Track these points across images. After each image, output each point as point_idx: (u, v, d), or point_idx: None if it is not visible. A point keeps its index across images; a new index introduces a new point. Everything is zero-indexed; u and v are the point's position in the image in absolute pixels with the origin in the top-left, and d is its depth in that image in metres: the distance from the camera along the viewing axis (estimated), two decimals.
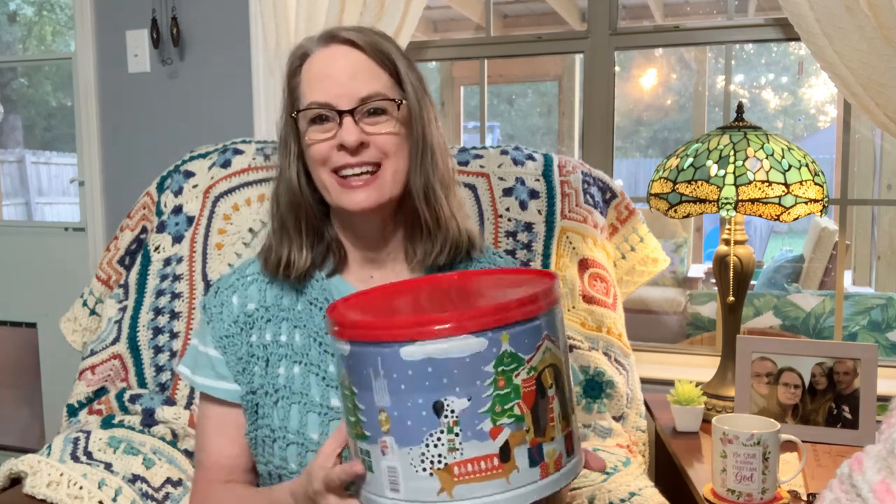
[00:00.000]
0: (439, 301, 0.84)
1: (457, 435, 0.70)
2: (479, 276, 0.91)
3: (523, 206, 1.44)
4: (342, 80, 0.94)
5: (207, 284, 1.40)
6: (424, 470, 0.70)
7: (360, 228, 1.01)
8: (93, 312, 1.53)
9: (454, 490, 0.70)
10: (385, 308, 0.82)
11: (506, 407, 0.70)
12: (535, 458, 0.72)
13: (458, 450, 0.70)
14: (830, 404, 1.39)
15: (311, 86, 0.96)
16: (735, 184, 1.33)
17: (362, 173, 0.94)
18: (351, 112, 0.93)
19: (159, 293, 1.42)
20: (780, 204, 1.33)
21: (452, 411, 0.69)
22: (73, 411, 1.38)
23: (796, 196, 1.34)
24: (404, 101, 0.96)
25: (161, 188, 1.50)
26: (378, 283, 1.03)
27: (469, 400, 0.69)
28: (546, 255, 1.42)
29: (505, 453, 0.70)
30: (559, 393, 0.75)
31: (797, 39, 1.64)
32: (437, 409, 0.70)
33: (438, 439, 0.70)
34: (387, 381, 0.71)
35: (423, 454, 0.70)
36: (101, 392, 1.39)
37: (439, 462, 0.70)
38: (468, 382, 0.69)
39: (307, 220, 1.00)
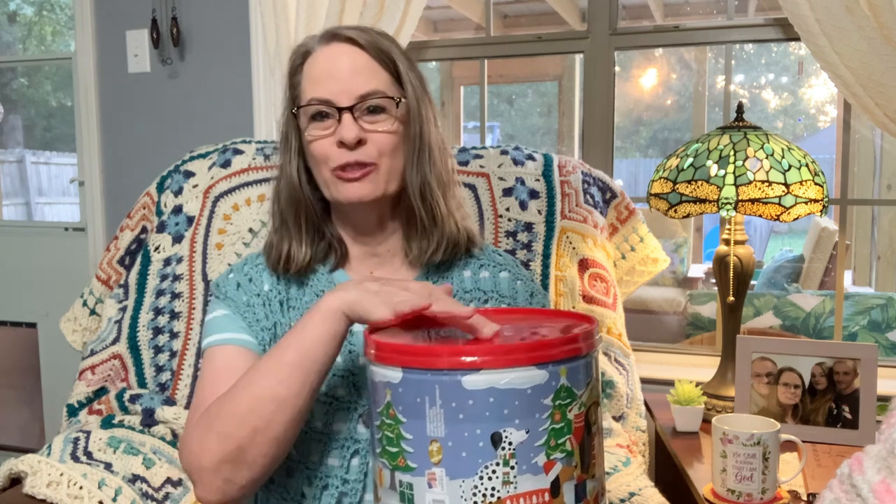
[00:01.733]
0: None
1: (512, 468, 0.69)
2: (510, 314, 0.91)
3: (523, 206, 1.44)
4: (343, 78, 0.95)
5: (207, 284, 1.40)
6: (476, 503, 0.69)
7: (357, 222, 1.03)
8: (93, 312, 1.53)
9: None
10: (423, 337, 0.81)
11: (559, 441, 0.70)
12: (580, 494, 0.72)
13: (512, 483, 0.69)
14: (830, 404, 1.39)
15: (312, 83, 0.97)
16: (735, 184, 1.33)
17: (358, 167, 0.95)
18: (350, 109, 0.94)
19: (159, 293, 1.42)
20: (780, 204, 1.33)
21: (510, 443, 0.69)
22: (73, 411, 1.38)
23: (796, 196, 1.34)
24: (403, 100, 0.97)
25: (161, 188, 1.50)
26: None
27: (527, 433, 0.69)
28: (546, 255, 1.42)
29: (555, 488, 0.70)
30: (598, 431, 0.75)
31: (797, 39, 1.64)
32: (496, 440, 0.68)
33: (493, 472, 0.68)
34: (444, 411, 0.69)
35: (475, 487, 0.69)
36: (101, 392, 1.39)
37: (492, 495, 0.69)
38: (528, 414, 0.69)
39: (307, 216, 1.02)
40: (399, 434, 0.72)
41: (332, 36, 0.98)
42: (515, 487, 0.69)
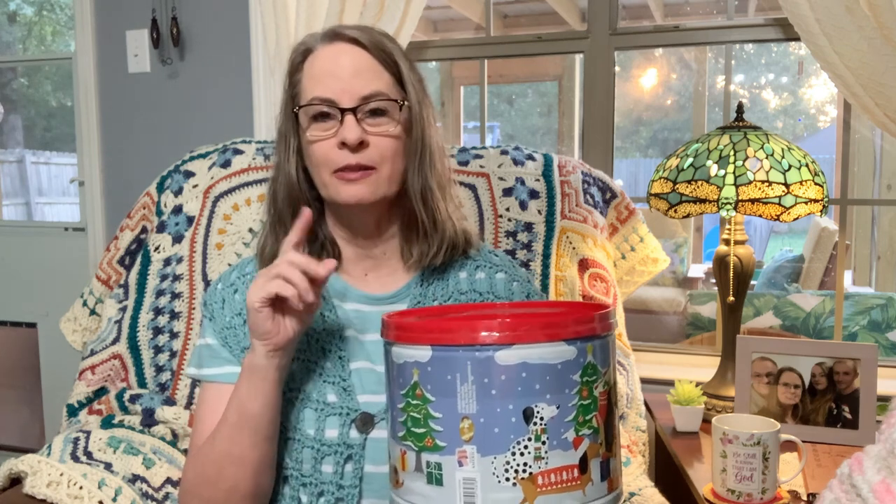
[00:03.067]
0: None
1: (543, 443, 0.69)
2: (528, 306, 0.93)
3: (523, 206, 1.44)
4: (345, 78, 0.94)
5: (207, 284, 1.40)
6: (508, 479, 0.69)
7: (354, 224, 1.01)
8: (93, 312, 1.53)
9: (536, 500, 0.69)
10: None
11: (587, 418, 0.71)
12: (605, 472, 0.72)
13: (543, 458, 0.69)
14: (830, 404, 1.39)
15: (313, 81, 0.95)
16: (735, 184, 1.33)
17: (359, 169, 0.94)
18: (353, 110, 0.93)
19: (159, 293, 1.42)
20: (780, 204, 1.33)
21: (542, 418, 0.69)
22: (73, 411, 1.38)
23: (796, 196, 1.34)
24: (406, 103, 0.96)
25: (161, 188, 1.50)
26: (372, 281, 1.03)
27: (558, 408, 0.70)
28: (546, 255, 1.42)
29: (584, 465, 0.71)
30: (618, 413, 0.76)
31: (797, 39, 1.64)
32: (528, 415, 0.69)
33: (525, 447, 0.69)
34: (476, 387, 0.70)
35: (507, 463, 0.69)
36: (101, 392, 1.39)
37: (524, 471, 0.69)
38: (558, 390, 0.70)
39: None
40: (427, 413, 0.72)
41: (335, 35, 0.97)
42: (546, 463, 0.69)
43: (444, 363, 0.71)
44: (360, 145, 0.93)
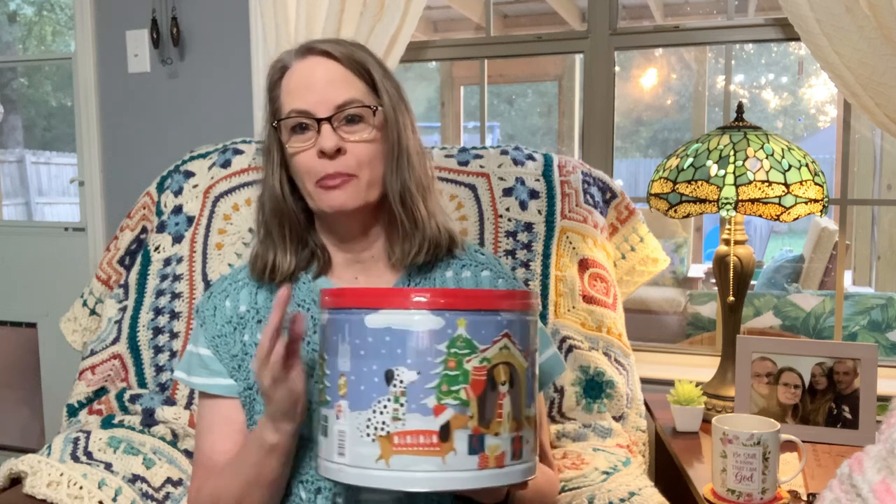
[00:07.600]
0: None
1: (402, 405, 0.74)
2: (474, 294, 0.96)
3: (523, 206, 1.44)
4: (319, 89, 0.97)
5: (207, 284, 1.41)
6: (368, 436, 0.74)
7: (342, 230, 1.04)
8: (93, 312, 1.54)
9: (391, 459, 0.74)
10: None
11: (452, 388, 0.74)
12: (475, 447, 0.75)
13: (400, 420, 0.74)
14: (830, 404, 1.39)
15: (290, 96, 0.99)
16: (735, 184, 1.33)
17: (338, 177, 0.97)
18: (329, 119, 0.96)
19: (159, 293, 1.42)
20: (780, 204, 1.33)
21: (401, 381, 0.74)
22: (73, 411, 1.38)
23: (796, 196, 1.34)
24: (380, 108, 0.99)
25: (161, 188, 1.50)
26: (363, 284, 1.07)
27: (418, 374, 0.74)
28: (546, 255, 1.42)
29: (445, 433, 0.74)
30: (513, 394, 0.77)
31: (797, 39, 1.64)
32: (388, 377, 0.74)
33: (385, 407, 0.74)
34: (350, 347, 0.76)
35: (369, 420, 0.74)
36: (101, 392, 1.39)
37: (382, 429, 0.74)
38: (420, 357, 0.74)
39: (291, 226, 1.04)
40: (323, 371, 0.80)
41: (307, 50, 1.01)
42: (404, 424, 0.74)
43: (332, 325, 0.79)
44: (338, 152, 0.96)
